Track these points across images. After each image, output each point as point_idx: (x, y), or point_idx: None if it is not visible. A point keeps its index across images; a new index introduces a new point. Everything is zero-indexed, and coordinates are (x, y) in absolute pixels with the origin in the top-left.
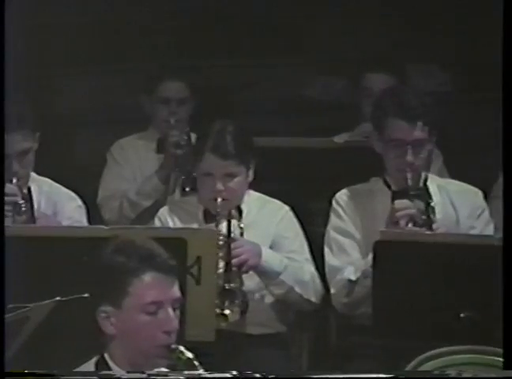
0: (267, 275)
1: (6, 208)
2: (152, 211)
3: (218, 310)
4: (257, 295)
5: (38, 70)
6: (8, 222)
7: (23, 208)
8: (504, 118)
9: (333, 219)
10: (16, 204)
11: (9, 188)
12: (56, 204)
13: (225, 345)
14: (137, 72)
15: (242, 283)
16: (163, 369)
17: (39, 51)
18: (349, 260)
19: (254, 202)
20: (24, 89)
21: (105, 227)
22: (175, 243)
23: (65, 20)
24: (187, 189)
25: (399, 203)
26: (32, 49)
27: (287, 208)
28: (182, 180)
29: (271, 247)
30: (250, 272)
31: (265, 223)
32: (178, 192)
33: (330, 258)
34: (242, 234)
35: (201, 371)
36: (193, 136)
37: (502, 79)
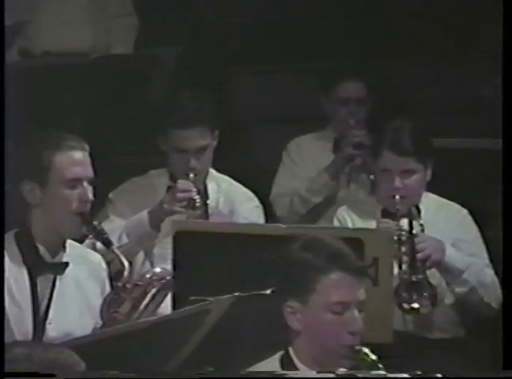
0: (450, 272)
1: (179, 204)
2: (323, 207)
3: (406, 305)
4: None
5: (218, 68)
6: (182, 216)
7: (197, 203)
8: (504, 119)
9: None
10: (190, 199)
11: (183, 183)
12: (233, 202)
13: (402, 348)
14: (316, 71)
15: (427, 276)
16: (343, 370)
17: (220, 50)
18: None
19: (430, 203)
20: (204, 87)
21: (283, 226)
22: (352, 243)
23: (245, 20)
24: None
25: None
26: (213, 47)
27: (465, 211)
28: (371, 180)
29: None
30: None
31: (443, 225)
32: (349, 189)
33: None
34: (423, 232)
35: (383, 373)
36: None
37: (503, 79)
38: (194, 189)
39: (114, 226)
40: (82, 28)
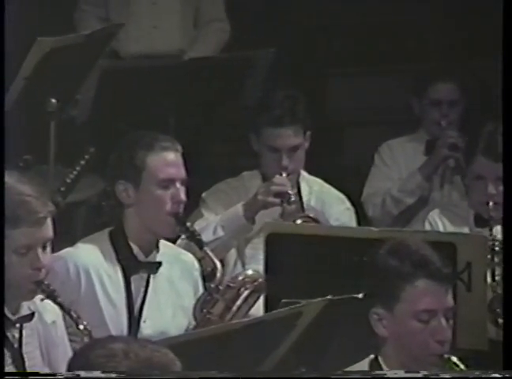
0: None
1: (276, 198)
2: (415, 208)
3: (501, 320)
4: None
5: (312, 70)
6: (275, 214)
7: (292, 198)
8: (504, 117)
9: None
10: (285, 194)
11: (279, 178)
12: (325, 204)
13: (495, 355)
14: (407, 73)
15: None
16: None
17: (313, 51)
18: None
19: None
20: (297, 88)
21: (374, 229)
22: (444, 248)
23: (336, 21)
24: None
25: None
26: (306, 49)
27: None
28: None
29: None
30: None
31: None
32: (442, 191)
33: None
34: None
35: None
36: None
37: (503, 79)
38: (289, 184)
39: (209, 221)
40: (171, 32)
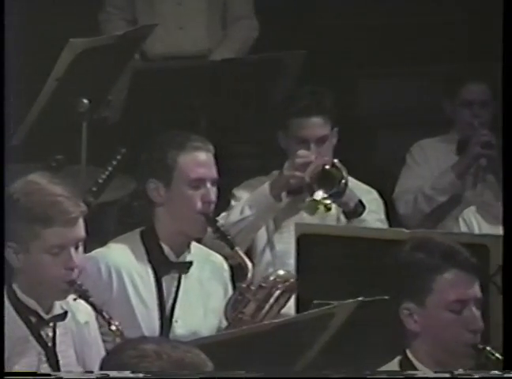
0: None
1: (301, 172)
2: (448, 207)
3: None
4: None
5: (343, 71)
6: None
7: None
8: (504, 119)
9: None
10: (310, 165)
11: (302, 152)
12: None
13: None
14: (438, 74)
15: None
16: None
17: (344, 52)
18: None
19: None
20: (328, 87)
21: (406, 231)
22: (477, 250)
23: (367, 22)
24: None
25: None
26: (338, 50)
27: None
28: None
29: None
30: None
31: None
32: (476, 189)
33: None
34: None
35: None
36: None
37: (502, 79)
38: (313, 157)
39: (236, 204)
40: (198, 32)
